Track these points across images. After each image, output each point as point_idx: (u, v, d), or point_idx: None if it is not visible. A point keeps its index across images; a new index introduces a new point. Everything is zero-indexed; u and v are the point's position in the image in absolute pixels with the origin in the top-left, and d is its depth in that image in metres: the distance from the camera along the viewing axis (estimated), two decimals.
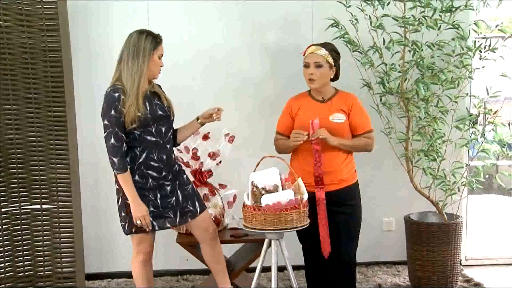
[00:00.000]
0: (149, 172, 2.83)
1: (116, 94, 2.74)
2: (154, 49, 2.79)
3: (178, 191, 2.91)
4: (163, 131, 2.86)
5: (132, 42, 2.79)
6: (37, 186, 3.50)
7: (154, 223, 2.85)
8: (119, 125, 2.74)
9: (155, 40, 2.81)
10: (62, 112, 3.46)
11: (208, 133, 3.47)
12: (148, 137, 2.81)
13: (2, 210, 3.44)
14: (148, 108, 2.79)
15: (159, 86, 2.99)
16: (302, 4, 3.94)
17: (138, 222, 2.78)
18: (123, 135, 2.77)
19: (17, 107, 3.43)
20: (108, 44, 3.85)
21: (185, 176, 3.01)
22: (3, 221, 3.44)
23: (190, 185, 2.99)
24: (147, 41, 2.78)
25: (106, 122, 2.75)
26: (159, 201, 2.85)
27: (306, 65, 3.03)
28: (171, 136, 2.95)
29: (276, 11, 3.94)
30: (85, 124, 3.79)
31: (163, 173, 2.86)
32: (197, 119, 3.02)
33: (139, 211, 2.78)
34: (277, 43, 3.97)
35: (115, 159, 2.75)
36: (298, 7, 3.94)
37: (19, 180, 3.47)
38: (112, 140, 2.74)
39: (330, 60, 3.01)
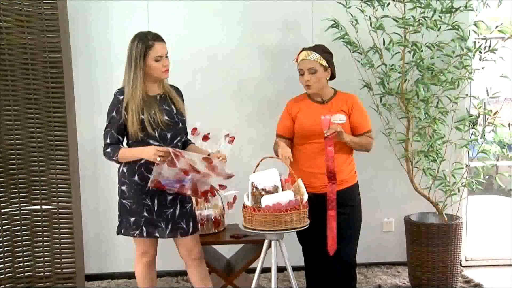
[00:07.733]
0: (150, 175, 2.72)
1: (121, 97, 2.76)
2: (145, 55, 2.69)
3: (178, 205, 2.85)
4: (168, 137, 2.80)
5: (128, 49, 2.74)
6: (37, 187, 3.51)
7: (144, 228, 2.82)
8: (116, 127, 2.78)
9: (146, 44, 2.69)
10: (62, 113, 3.46)
11: (208, 133, 3.46)
12: (151, 141, 2.77)
13: (2, 210, 3.44)
14: (153, 113, 2.74)
15: (177, 89, 2.94)
16: (302, 4, 3.94)
17: (159, 159, 2.62)
18: (120, 137, 2.81)
19: (17, 107, 3.43)
20: (108, 44, 3.86)
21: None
22: (3, 221, 3.44)
23: (190, 204, 2.93)
24: (138, 48, 2.70)
25: (107, 121, 2.81)
26: (155, 208, 2.81)
27: (301, 73, 3.02)
28: (179, 144, 2.87)
29: (276, 12, 3.94)
30: (85, 124, 3.79)
31: None
32: (208, 155, 2.85)
33: (148, 152, 2.66)
34: (277, 43, 3.97)
35: (108, 150, 2.78)
36: (298, 8, 3.94)
37: (19, 180, 3.48)
38: (108, 140, 2.79)
39: (323, 62, 2.99)
